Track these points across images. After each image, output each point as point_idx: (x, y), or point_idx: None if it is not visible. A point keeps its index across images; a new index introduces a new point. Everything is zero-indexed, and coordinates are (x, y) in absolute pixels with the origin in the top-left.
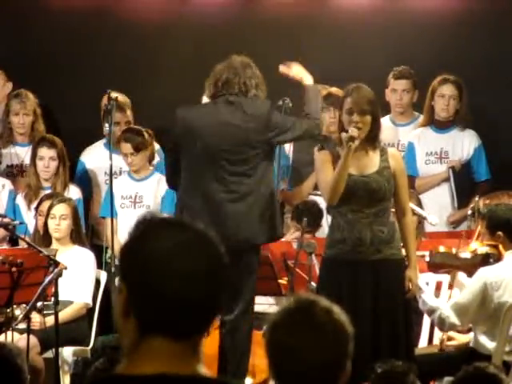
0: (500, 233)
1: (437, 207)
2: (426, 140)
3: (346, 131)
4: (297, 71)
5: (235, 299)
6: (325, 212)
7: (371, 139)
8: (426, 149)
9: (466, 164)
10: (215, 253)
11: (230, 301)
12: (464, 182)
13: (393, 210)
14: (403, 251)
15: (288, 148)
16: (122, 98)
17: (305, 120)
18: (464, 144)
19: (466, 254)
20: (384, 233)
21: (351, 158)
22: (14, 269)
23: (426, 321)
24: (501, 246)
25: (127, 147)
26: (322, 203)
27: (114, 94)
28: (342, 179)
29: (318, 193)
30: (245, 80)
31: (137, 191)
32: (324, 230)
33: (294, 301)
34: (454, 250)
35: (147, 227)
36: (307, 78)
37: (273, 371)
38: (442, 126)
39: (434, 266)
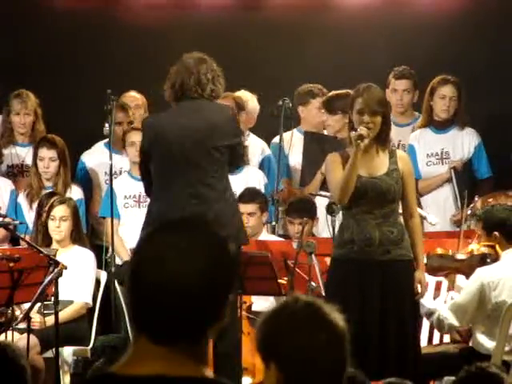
0: (496, 233)
1: (440, 207)
2: (426, 141)
3: (356, 131)
4: None
5: None
6: (324, 211)
7: (381, 140)
8: (427, 150)
9: (467, 162)
10: (213, 260)
11: None
12: (467, 180)
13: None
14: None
15: (288, 147)
16: (135, 98)
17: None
18: (464, 143)
19: (462, 256)
20: (393, 233)
21: (360, 158)
22: (11, 264)
23: (426, 321)
24: (497, 246)
25: (138, 135)
26: (321, 204)
27: (133, 93)
28: (351, 178)
29: (322, 193)
30: (199, 78)
31: (140, 191)
32: (323, 229)
33: (295, 301)
34: (450, 252)
35: (154, 228)
36: None
37: (279, 371)
38: (441, 127)
39: (432, 270)
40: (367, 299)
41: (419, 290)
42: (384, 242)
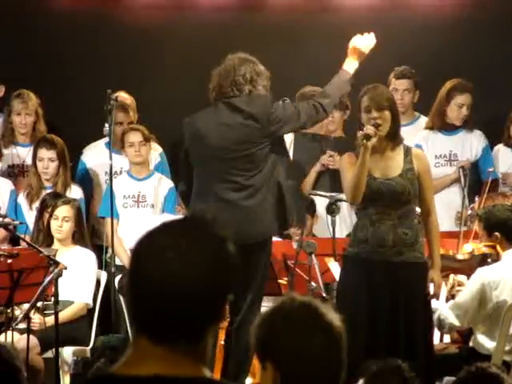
0: (497, 233)
1: (447, 207)
2: (434, 143)
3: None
4: (362, 47)
5: (244, 297)
6: (323, 211)
7: (392, 136)
8: (435, 152)
9: (475, 164)
10: (213, 260)
11: (239, 299)
12: (474, 181)
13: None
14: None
15: (288, 146)
16: (125, 98)
17: (303, 106)
18: (473, 145)
19: (463, 256)
20: (408, 235)
21: (373, 158)
22: (9, 260)
23: None
24: (498, 247)
25: (137, 136)
26: (321, 204)
27: (122, 94)
28: (361, 178)
29: (318, 192)
30: (236, 78)
31: (139, 190)
32: (323, 229)
33: (291, 301)
34: (450, 252)
35: (154, 228)
36: (352, 63)
37: (276, 371)
38: (450, 129)
39: None
40: (376, 299)
41: (432, 290)
42: (397, 243)
